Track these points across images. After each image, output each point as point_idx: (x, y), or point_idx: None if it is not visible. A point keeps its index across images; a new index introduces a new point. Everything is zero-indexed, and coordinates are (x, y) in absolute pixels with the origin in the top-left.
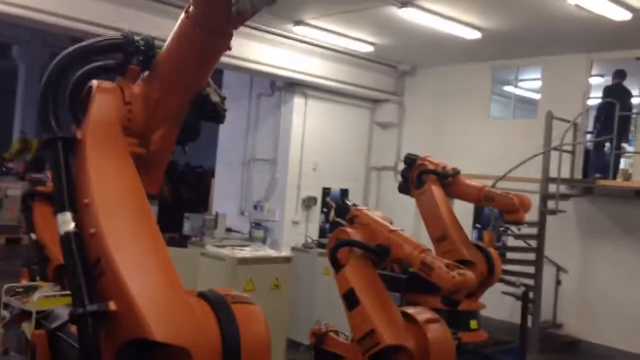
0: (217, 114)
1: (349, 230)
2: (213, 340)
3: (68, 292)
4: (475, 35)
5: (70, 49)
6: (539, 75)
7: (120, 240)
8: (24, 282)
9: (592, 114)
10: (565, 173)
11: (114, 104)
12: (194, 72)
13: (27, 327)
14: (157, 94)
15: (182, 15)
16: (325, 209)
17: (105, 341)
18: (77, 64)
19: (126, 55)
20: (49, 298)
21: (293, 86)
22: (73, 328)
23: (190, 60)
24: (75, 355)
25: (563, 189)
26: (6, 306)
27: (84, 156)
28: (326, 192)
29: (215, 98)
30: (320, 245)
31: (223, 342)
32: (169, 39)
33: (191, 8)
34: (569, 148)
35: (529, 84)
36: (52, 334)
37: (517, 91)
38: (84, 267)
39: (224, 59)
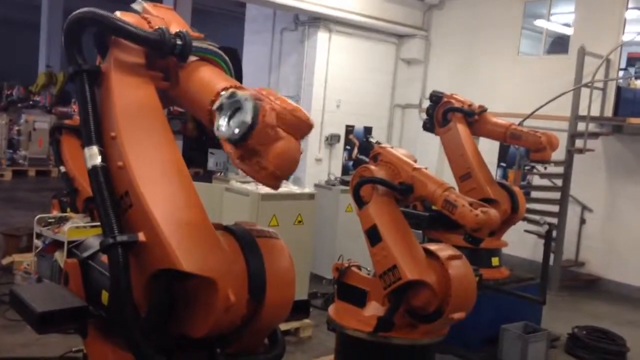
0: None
1: (372, 167)
2: (239, 272)
3: (98, 223)
4: None
5: (104, 15)
6: (572, 8)
7: (148, 174)
8: (55, 213)
9: (626, 50)
10: (595, 111)
11: None
12: None
13: (60, 256)
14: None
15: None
16: (348, 147)
17: (135, 271)
18: (105, 30)
19: (157, 52)
20: (79, 228)
21: (317, 21)
22: (104, 257)
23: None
24: (106, 283)
25: (592, 127)
26: (38, 236)
27: (109, 89)
28: (349, 129)
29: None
30: (343, 182)
31: (249, 275)
32: (195, 79)
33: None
34: (600, 85)
35: (562, 17)
36: (84, 263)
37: (549, 26)
38: (112, 199)
39: None
